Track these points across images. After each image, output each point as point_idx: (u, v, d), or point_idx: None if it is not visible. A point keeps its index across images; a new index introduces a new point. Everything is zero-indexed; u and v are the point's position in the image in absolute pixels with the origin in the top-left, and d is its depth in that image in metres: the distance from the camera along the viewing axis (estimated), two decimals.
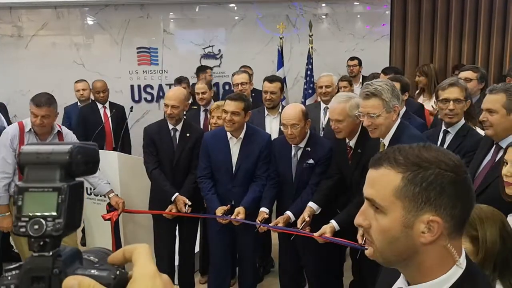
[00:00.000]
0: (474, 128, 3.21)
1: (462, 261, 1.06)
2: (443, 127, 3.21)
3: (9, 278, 0.63)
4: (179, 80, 5.91)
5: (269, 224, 3.46)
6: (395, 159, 1.04)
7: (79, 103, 5.85)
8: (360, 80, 6.47)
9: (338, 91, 4.72)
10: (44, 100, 3.55)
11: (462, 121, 3.15)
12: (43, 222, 0.63)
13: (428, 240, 1.02)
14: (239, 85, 4.81)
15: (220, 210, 3.53)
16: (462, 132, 3.11)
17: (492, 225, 1.67)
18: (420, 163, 1.02)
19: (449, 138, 3.15)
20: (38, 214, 0.63)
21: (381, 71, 5.43)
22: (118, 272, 0.62)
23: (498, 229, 1.67)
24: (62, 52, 6.93)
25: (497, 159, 2.62)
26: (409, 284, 1.10)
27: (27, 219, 0.63)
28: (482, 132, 2.97)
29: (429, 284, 1.05)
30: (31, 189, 0.64)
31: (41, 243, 0.63)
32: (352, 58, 6.62)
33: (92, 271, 0.62)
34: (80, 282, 0.59)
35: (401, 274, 1.13)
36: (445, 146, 3.08)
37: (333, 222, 3.15)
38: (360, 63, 6.59)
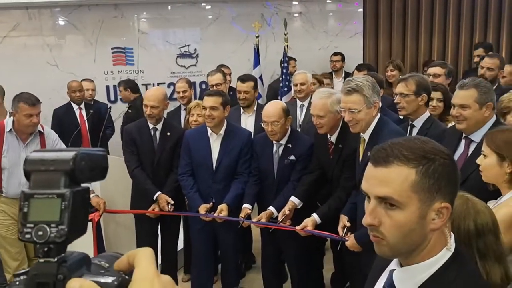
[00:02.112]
0: (438, 121, 3.34)
1: (452, 244, 1.13)
2: (409, 121, 3.33)
3: (17, 283, 0.64)
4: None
5: (252, 220, 3.52)
6: (404, 155, 1.08)
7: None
8: (343, 75, 6.61)
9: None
10: (35, 99, 3.58)
11: (427, 115, 3.27)
12: (47, 228, 0.64)
13: (438, 225, 1.09)
14: (214, 86, 4.84)
15: (203, 208, 3.56)
16: (426, 125, 3.22)
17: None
18: (427, 155, 1.08)
19: (415, 131, 3.25)
20: (42, 220, 0.64)
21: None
22: (120, 279, 0.63)
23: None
24: (35, 53, 6.82)
25: (470, 152, 2.72)
26: (401, 266, 1.16)
27: (32, 225, 0.64)
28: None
29: (420, 265, 1.12)
30: (36, 195, 0.65)
31: (46, 249, 0.64)
32: (335, 54, 6.77)
33: (97, 277, 0.64)
34: (82, 285, 0.61)
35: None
36: None
37: (314, 216, 3.23)
38: (343, 59, 6.72)
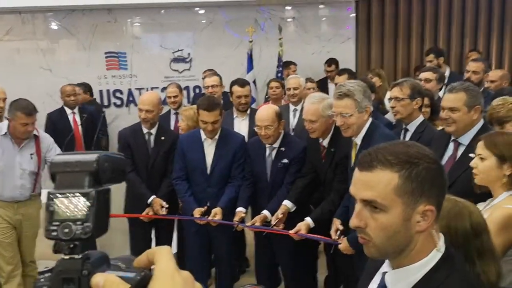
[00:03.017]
0: (432, 125, 3.39)
1: (442, 246, 1.16)
2: (403, 125, 3.38)
3: (42, 280, 0.66)
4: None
5: (246, 224, 3.54)
6: (387, 160, 1.12)
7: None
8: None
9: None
10: (32, 108, 3.59)
11: (421, 119, 3.32)
12: (73, 226, 0.66)
13: (423, 227, 1.12)
14: (210, 87, 4.84)
15: (197, 212, 3.58)
16: (419, 129, 3.27)
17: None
18: (410, 159, 1.11)
19: (408, 135, 3.30)
20: (68, 218, 0.67)
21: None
22: (142, 273, 0.66)
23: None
24: (28, 57, 6.81)
25: (458, 155, 2.76)
26: (393, 268, 1.19)
27: (58, 223, 0.67)
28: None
29: (411, 267, 1.15)
30: (61, 195, 0.68)
31: (71, 245, 0.66)
32: (329, 64, 6.71)
33: (119, 272, 0.66)
34: (107, 279, 0.64)
35: (386, 260, 1.22)
36: None
37: (308, 219, 3.26)
38: (337, 66, 6.69)
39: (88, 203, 0.68)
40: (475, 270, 1.63)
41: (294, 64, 6.62)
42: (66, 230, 0.67)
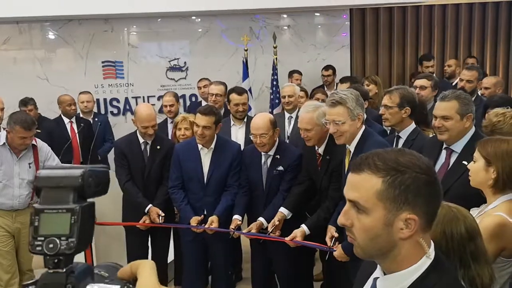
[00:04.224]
0: (425, 132, 3.42)
1: (431, 252, 1.19)
2: (396, 133, 3.42)
3: None
4: (24, 102, 5.50)
5: (243, 231, 3.57)
6: (375, 165, 1.15)
7: (81, 115, 5.90)
8: (335, 88, 6.68)
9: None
10: (31, 122, 3.60)
11: (412, 126, 3.36)
12: (57, 241, 0.68)
13: (406, 235, 1.14)
14: (214, 95, 4.86)
15: (194, 220, 3.61)
16: (411, 136, 3.32)
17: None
18: (398, 167, 1.14)
19: (401, 143, 3.34)
20: (53, 234, 0.69)
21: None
22: (125, 287, 0.68)
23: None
24: (25, 67, 6.83)
25: (451, 163, 2.79)
26: (384, 274, 1.22)
27: (42, 238, 0.69)
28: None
29: (401, 273, 1.17)
30: (47, 210, 0.70)
31: (56, 260, 0.68)
32: (326, 68, 6.78)
33: (103, 285, 0.68)
34: None
35: (378, 265, 1.25)
36: None
37: (303, 227, 3.29)
38: (334, 72, 6.77)
39: (72, 219, 0.69)
40: (470, 273, 1.67)
41: (299, 73, 6.66)
42: (51, 245, 0.68)
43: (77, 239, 0.69)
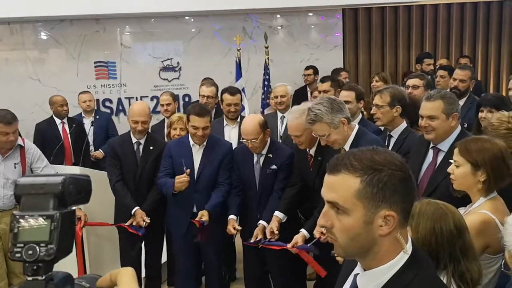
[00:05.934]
0: (419, 131, 3.43)
1: (409, 248, 1.21)
2: (388, 132, 3.44)
3: None
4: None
5: (250, 240, 3.50)
6: (352, 165, 1.16)
7: (83, 114, 5.92)
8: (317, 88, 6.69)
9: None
10: (11, 117, 3.57)
11: (404, 125, 3.39)
12: (37, 248, 0.68)
13: (385, 232, 1.16)
14: (206, 97, 4.82)
15: (178, 177, 3.52)
16: (403, 135, 3.34)
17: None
18: (374, 166, 1.15)
19: (392, 141, 3.37)
20: (32, 240, 0.68)
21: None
22: None
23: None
24: (17, 67, 6.82)
25: (438, 161, 2.82)
26: (364, 270, 1.24)
27: (22, 245, 0.68)
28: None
29: (380, 269, 1.19)
30: (27, 217, 0.69)
31: (35, 267, 0.68)
32: (307, 68, 6.86)
33: None
34: None
35: (358, 263, 1.27)
36: (389, 149, 3.29)
37: (303, 231, 3.28)
38: (315, 72, 6.82)
39: (52, 225, 0.69)
40: (460, 268, 1.70)
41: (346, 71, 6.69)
42: (30, 252, 0.68)
43: (56, 245, 0.69)
